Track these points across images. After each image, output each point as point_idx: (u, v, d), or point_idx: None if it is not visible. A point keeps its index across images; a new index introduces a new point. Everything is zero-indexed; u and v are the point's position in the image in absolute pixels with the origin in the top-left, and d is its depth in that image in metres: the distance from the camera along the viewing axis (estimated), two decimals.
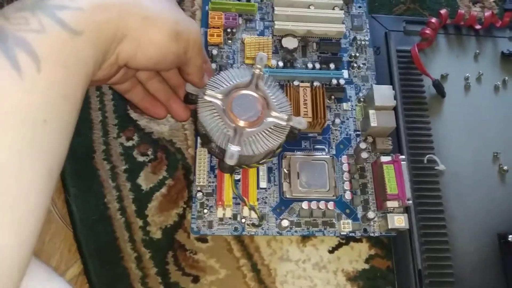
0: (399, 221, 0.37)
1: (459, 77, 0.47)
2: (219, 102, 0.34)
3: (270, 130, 0.35)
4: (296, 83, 0.43)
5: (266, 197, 0.40)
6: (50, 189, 0.21)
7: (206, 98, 0.34)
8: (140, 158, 0.41)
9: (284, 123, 0.35)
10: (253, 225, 0.38)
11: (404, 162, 0.39)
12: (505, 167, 0.43)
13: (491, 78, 0.47)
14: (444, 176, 0.42)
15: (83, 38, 0.22)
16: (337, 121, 0.43)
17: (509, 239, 0.40)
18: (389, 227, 0.37)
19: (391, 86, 0.42)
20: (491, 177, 0.43)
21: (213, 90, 0.35)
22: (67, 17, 0.22)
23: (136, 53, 0.26)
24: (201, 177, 0.39)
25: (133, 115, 0.43)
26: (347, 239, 0.40)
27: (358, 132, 0.43)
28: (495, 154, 0.44)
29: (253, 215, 0.38)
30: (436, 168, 0.42)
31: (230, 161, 0.33)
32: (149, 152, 0.42)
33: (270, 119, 0.35)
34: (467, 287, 0.38)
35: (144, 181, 0.40)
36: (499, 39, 0.49)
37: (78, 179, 0.40)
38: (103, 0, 0.24)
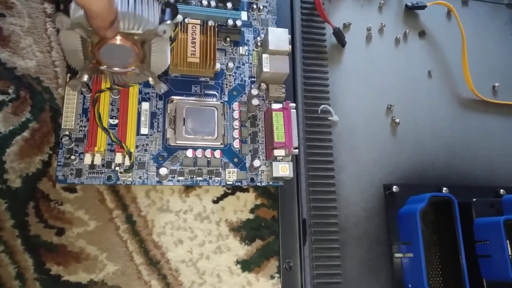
0: (283, 170, 0.36)
1: (362, 27, 0.46)
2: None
3: (132, 75, 0.32)
4: (187, 20, 0.39)
5: (147, 144, 0.36)
6: None
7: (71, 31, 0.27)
8: None
9: (150, 81, 0.32)
10: (125, 171, 0.34)
11: (294, 110, 0.37)
12: (397, 120, 0.43)
13: (393, 30, 0.47)
14: (337, 126, 0.41)
15: None
16: (231, 65, 0.40)
17: (393, 190, 0.40)
18: (274, 175, 0.36)
19: (287, 30, 0.39)
20: (383, 129, 0.43)
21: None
22: None
23: None
24: (69, 119, 0.34)
25: None
26: (233, 189, 0.38)
27: (253, 79, 0.41)
28: (389, 106, 0.43)
29: (127, 162, 0.34)
30: (329, 118, 0.41)
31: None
32: (10, 90, 0.36)
33: (137, 73, 0.31)
34: (350, 236, 0.38)
35: (3, 123, 0.35)
36: None
37: None
38: None
